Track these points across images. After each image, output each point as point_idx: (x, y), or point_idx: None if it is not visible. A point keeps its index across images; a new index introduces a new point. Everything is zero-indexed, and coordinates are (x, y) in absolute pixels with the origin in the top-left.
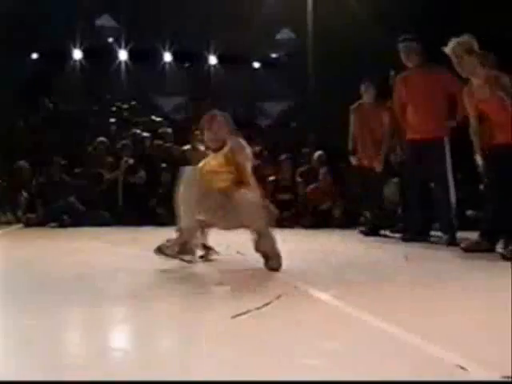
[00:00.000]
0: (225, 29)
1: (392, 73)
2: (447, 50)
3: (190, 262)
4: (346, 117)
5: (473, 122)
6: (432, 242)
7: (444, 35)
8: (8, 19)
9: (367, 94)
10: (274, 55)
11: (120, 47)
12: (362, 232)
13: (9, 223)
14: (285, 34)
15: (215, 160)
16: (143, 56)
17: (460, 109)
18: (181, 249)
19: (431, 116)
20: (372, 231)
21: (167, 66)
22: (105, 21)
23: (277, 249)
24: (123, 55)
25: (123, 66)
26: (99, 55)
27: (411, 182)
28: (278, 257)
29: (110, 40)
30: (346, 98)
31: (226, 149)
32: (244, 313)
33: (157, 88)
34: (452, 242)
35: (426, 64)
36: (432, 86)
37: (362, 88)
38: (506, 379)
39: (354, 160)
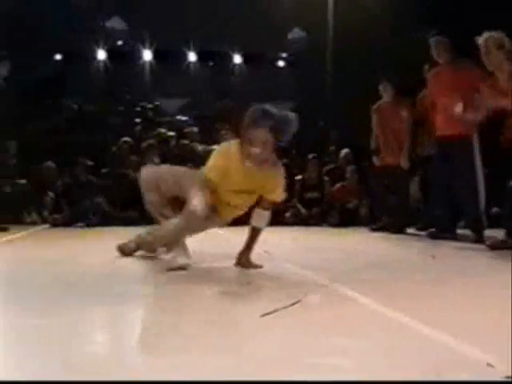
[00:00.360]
0: (247, 28)
1: (426, 66)
2: (480, 40)
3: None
4: (367, 114)
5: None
6: (458, 240)
7: (466, 32)
8: (31, 20)
9: (386, 94)
10: (284, 54)
11: (144, 47)
12: (372, 229)
13: (35, 223)
14: (296, 33)
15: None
16: (167, 56)
17: (481, 104)
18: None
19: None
20: (381, 229)
21: (191, 65)
22: (115, 23)
23: None
24: (147, 55)
25: (147, 66)
26: (123, 55)
27: (438, 178)
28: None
29: (120, 42)
30: (365, 94)
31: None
32: (272, 312)
33: (180, 87)
34: (479, 240)
35: (455, 60)
36: (461, 82)
37: (381, 88)
38: (507, 379)
39: (376, 161)
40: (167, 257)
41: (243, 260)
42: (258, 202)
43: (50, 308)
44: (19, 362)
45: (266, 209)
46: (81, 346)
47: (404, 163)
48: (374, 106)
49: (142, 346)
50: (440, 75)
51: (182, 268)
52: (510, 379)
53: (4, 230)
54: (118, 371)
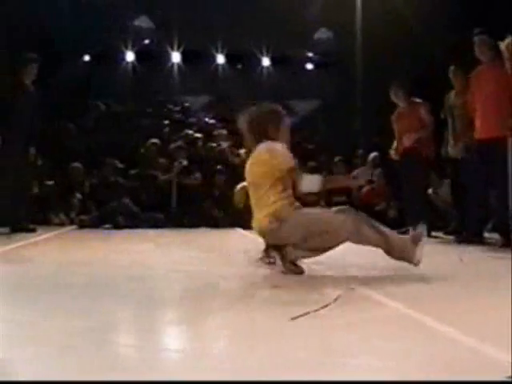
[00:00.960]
0: (277, 29)
1: (452, 67)
2: (502, 45)
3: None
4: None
5: None
6: (486, 244)
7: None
8: (59, 21)
9: (398, 100)
10: (311, 55)
11: (173, 49)
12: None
13: (62, 225)
14: (323, 33)
15: None
16: (195, 58)
17: None
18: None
19: (496, 115)
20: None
21: (219, 67)
22: (142, 22)
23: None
24: (176, 57)
25: (175, 67)
26: (151, 57)
27: (473, 182)
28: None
29: (146, 41)
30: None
31: None
32: (302, 315)
33: (208, 89)
34: (506, 243)
35: (497, 59)
36: (501, 83)
37: (392, 95)
38: (507, 379)
39: (393, 154)
40: None
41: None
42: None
43: (75, 309)
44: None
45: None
46: (104, 347)
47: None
48: (393, 117)
49: (174, 347)
50: (481, 75)
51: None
52: (510, 379)
53: (32, 230)
54: (149, 374)
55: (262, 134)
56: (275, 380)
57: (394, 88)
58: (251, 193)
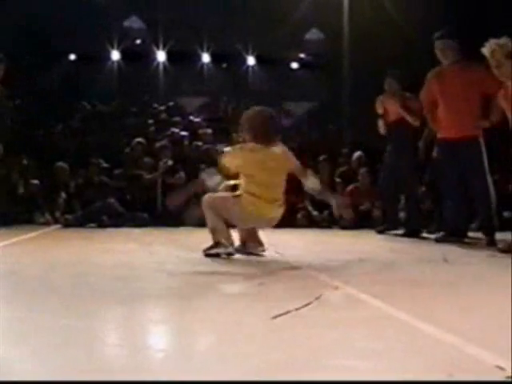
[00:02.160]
0: (262, 29)
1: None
2: (485, 51)
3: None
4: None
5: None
6: (469, 243)
7: (479, 35)
8: (44, 21)
9: (391, 90)
10: (303, 55)
11: (158, 48)
12: (379, 232)
13: (47, 224)
14: (314, 34)
15: None
16: (181, 57)
17: (494, 110)
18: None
19: (466, 114)
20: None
21: (205, 67)
22: (133, 22)
23: None
24: (161, 56)
25: (161, 67)
26: (137, 56)
27: (447, 182)
28: None
29: (138, 41)
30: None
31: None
32: (284, 313)
33: (194, 89)
34: (491, 243)
35: (461, 61)
36: (468, 83)
37: (386, 85)
38: (507, 379)
39: (380, 126)
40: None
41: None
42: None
43: (60, 309)
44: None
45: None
46: (92, 347)
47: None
48: (380, 98)
49: (158, 346)
50: (445, 74)
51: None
52: (510, 379)
53: None
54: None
55: (264, 135)
56: (261, 380)
57: (389, 78)
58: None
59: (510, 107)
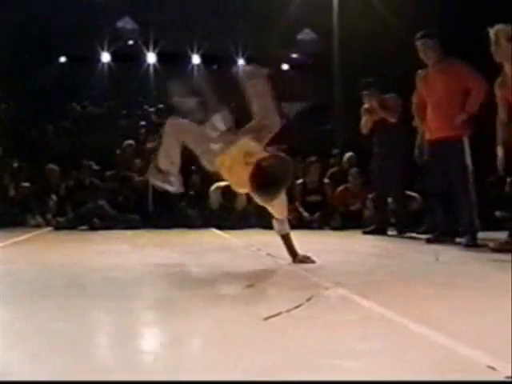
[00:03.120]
0: (253, 30)
1: (419, 71)
2: (491, 30)
3: None
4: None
5: (501, 112)
6: (458, 243)
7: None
8: (35, 23)
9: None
10: (295, 55)
11: (148, 50)
12: (365, 232)
13: (38, 226)
14: (306, 34)
15: None
16: (171, 58)
17: (471, 100)
18: None
19: (449, 114)
20: (377, 232)
21: (195, 68)
22: (125, 23)
23: None
24: (151, 58)
25: (151, 68)
26: (127, 58)
27: (434, 183)
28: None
29: (131, 42)
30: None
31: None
32: (275, 315)
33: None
34: (471, 244)
35: (443, 60)
36: (450, 83)
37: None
38: (507, 379)
39: (362, 127)
40: None
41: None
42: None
43: (50, 311)
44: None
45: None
46: (82, 349)
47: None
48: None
49: (149, 348)
50: (429, 77)
51: None
52: (510, 379)
53: None
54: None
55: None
56: (253, 380)
57: (365, 92)
58: None
59: (505, 94)
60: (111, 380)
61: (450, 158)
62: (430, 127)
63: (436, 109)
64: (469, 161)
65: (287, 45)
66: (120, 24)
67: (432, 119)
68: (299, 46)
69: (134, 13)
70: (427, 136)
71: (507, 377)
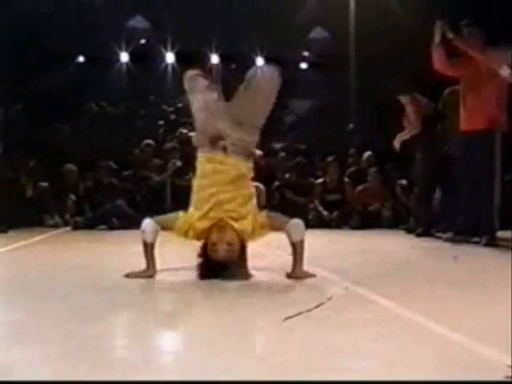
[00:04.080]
0: (269, 29)
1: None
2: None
3: None
4: (389, 117)
5: None
6: (479, 242)
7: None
8: (53, 23)
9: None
10: (307, 54)
11: (166, 49)
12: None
13: (56, 226)
14: (318, 32)
15: None
16: (190, 58)
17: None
18: None
19: (482, 106)
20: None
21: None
22: (137, 22)
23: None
24: (170, 58)
25: (170, 68)
26: (145, 57)
27: (464, 179)
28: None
29: (143, 41)
30: (388, 97)
31: None
32: (295, 315)
33: None
34: (490, 243)
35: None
36: (487, 75)
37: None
38: (507, 379)
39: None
40: None
41: (296, 274)
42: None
43: (70, 313)
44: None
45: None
46: (101, 351)
47: (396, 144)
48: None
49: (170, 349)
50: (468, 65)
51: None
52: (510, 379)
53: (3, 231)
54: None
55: None
56: (273, 380)
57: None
58: None
59: None
60: (122, 380)
61: (480, 151)
62: (465, 118)
63: (471, 100)
64: (498, 156)
65: (302, 44)
66: (131, 23)
67: (468, 110)
68: (311, 45)
69: (148, 11)
70: (461, 127)
71: (507, 377)
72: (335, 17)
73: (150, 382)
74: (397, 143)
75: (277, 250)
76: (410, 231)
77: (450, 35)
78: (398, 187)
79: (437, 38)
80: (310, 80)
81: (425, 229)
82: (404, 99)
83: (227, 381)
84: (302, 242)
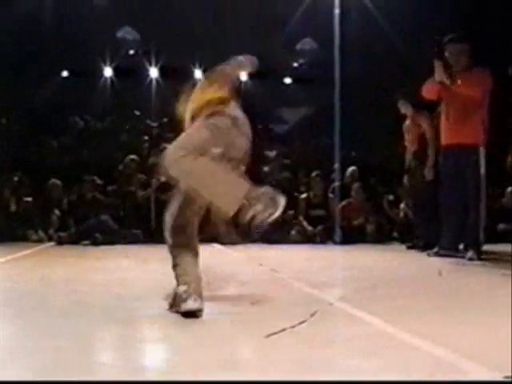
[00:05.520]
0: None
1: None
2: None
3: None
4: (376, 131)
5: None
6: (463, 257)
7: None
8: (37, 37)
9: (407, 111)
10: (296, 64)
11: (151, 64)
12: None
13: (40, 241)
14: (307, 43)
15: None
16: (174, 73)
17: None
18: None
19: (467, 123)
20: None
21: (197, 82)
22: (126, 33)
23: None
24: (154, 73)
25: (154, 83)
26: (130, 72)
27: (448, 193)
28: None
29: (132, 52)
30: (374, 112)
31: None
32: (279, 331)
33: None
34: (476, 258)
35: (472, 68)
36: (475, 91)
37: (400, 106)
38: (507, 379)
39: (405, 180)
40: None
41: None
42: None
43: (54, 329)
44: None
45: None
46: (86, 368)
47: (428, 174)
48: (405, 127)
49: (153, 365)
50: (455, 83)
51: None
52: (509, 379)
53: None
54: None
55: None
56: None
57: (401, 100)
58: None
59: None
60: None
61: (464, 165)
62: (449, 134)
63: (457, 116)
64: (483, 171)
65: (289, 55)
66: (120, 34)
67: (452, 126)
68: (299, 56)
69: (133, 26)
70: (443, 142)
71: (506, 377)
72: (321, 28)
73: (151, 382)
74: (429, 173)
75: (258, 267)
76: (414, 247)
77: (447, 82)
78: (385, 202)
79: (438, 77)
80: (294, 93)
81: (425, 244)
82: (416, 115)
83: (227, 381)
84: None
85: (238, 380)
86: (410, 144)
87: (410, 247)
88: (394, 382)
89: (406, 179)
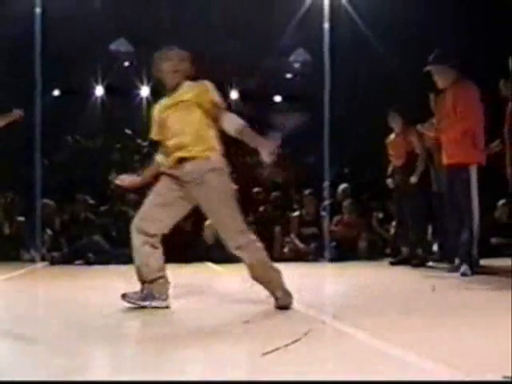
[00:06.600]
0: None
1: (431, 95)
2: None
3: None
4: (367, 149)
5: None
6: (455, 271)
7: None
8: (28, 56)
9: (396, 125)
10: (288, 75)
11: (142, 83)
12: (392, 263)
13: (33, 261)
14: (300, 54)
15: None
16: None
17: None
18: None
19: (457, 140)
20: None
21: None
22: (119, 45)
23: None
24: (145, 91)
25: (144, 102)
26: (121, 91)
27: (448, 208)
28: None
29: (126, 64)
30: (364, 129)
31: None
32: (273, 350)
33: None
34: (469, 273)
35: (457, 83)
36: (461, 105)
37: (390, 120)
38: (507, 379)
39: (390, 183)
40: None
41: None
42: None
43: (47, 350)
44: None
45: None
46: None
47: (413, 180)
48: (387, 140)
49: None
50: (441, 102)
51: None
52: (509, 379)
53: None
54: None
55: None
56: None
57: (392, 113)
58: None
59: None
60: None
61: (456, 183)
62: (444, 152)
63: (446, 134)
64: (475, 189)
65: (282, 68)
66: (114, 46)
67: (445, 144)
68: (292, 68)
69: (129, 35)
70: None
71: (506, 377)
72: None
73: (151, 382)
74: (414, 178)
75: (251, 284)
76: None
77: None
78: (374, 219)
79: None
80: (284, 113)
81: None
82: (406, 130)
83: (227, 381)
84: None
85: (238, 380)
86: (394, 159)
87: (392, 263)
88: (393, 382)
89: (389, 182)
